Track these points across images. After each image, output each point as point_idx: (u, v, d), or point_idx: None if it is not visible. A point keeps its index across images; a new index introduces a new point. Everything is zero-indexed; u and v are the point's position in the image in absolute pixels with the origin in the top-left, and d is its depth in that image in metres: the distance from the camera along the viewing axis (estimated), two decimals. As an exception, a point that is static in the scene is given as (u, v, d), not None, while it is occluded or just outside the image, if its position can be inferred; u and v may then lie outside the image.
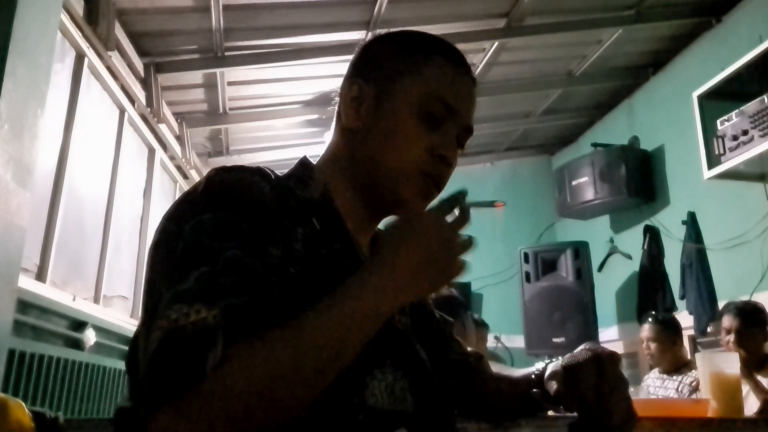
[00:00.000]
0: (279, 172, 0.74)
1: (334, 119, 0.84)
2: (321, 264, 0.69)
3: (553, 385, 0.75)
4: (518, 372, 0.90)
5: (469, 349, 0.99)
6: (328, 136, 0.87)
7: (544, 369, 0.79)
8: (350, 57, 0.85)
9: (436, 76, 0.77)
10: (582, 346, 0.76)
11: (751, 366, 2.47)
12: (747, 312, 2.62)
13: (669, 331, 3.05)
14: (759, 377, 2.44)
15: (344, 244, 0.74)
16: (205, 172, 0.67)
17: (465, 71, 0.81)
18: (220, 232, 0.61)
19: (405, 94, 0.76)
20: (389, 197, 0.77)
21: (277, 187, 0.68)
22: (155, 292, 0.60)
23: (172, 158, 4.05)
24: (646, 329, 3.09)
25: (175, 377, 0.54)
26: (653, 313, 3.31)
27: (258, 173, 0.68)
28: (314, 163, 0.81)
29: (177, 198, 0.68)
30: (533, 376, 0.82)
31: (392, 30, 0.85)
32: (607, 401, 0.69)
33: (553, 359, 0.80)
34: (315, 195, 0.75)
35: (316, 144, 4.53)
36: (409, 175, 0.75)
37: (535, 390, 0.80)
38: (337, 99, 0.85)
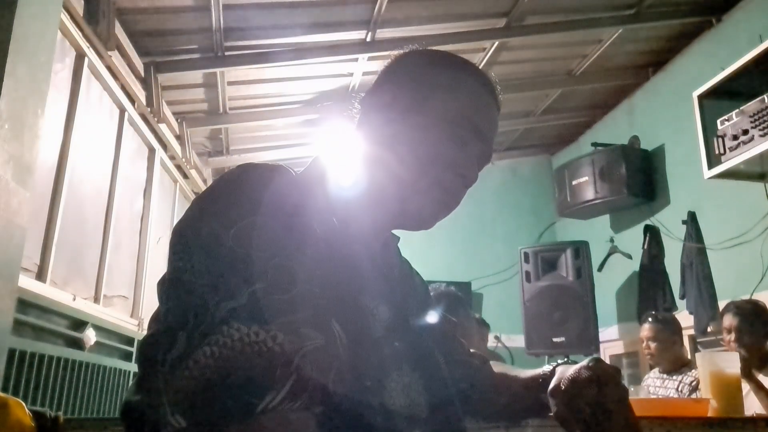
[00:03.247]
0: (295, 171, 0.73)
1: (356, 121, 0.84)
2: (342, 264, 0.69)
3: (554, 405, 0.76)
4: (525, 373, 0.90)
5: (472, 350, 0.99)
6: (331, 136, 0.87)
7: (552, 372, 0.80)
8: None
9: (470, 98, 0.79)
10: (584, 362, 0.76)
11: (752, 365, 2.47)
12: (747, 311, 2.62)
13: (669, 330, 3.05)
14: (760, 376, 2.44)
15: (361, 246, 0.74)
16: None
17: (495, 100, 0.83)
18: (263, 239, 0.60)
19: (438, 110, 0.78)
20: (402, 206, 0.77)
21: (299, 186, 0.68)
22: (194, 297, 0.59)
23: (172, 158, 4.05)
24: (646, 329, 3.09)
25: (243, 399, 0.54)
26: (653, 312, 3.31)
27: (281, 171, 0.68)
28: (328, 163, 0.81)
29: (204, 193, 0.66)
30: (541, 380, 0.82)
31: (429, 47, 0.87)
32: (607, 424, 0.70)
33: (559, 360, 0.80)
34: (331, 194, 0.75)
35: (316, 144, 4.53)
36: (427, 188, 0.76)
37: (543, 395, 0.81)
38: (358, 102, 0.85)
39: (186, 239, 0.63)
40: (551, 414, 0.79)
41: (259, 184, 0.64)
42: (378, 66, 0.88)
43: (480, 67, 0.85)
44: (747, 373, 2.36)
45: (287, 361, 0.54)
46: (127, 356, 2.99)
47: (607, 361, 0.83)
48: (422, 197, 0.77)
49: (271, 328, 0.55)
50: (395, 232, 0.87)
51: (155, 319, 0.65)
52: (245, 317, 0.56)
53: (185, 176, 4.36)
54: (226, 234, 0.60)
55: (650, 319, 3.11)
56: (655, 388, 3.01)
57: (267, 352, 0.54)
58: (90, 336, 2.55)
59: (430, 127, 0.77)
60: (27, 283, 2.10)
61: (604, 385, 0.72)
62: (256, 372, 0.54)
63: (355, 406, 0.62)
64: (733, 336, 2.60)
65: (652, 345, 3.04)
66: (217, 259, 0.59)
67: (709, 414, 1.51)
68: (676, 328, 3.08)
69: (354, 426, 0.62)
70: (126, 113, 3.17)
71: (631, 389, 2.82)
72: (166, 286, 0.63)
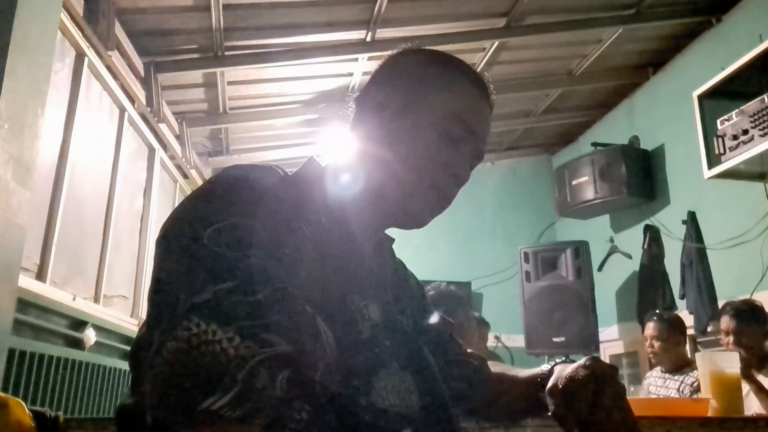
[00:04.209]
0: (288, 171, 0.74)
1: (350, 121, 0.84)
2: (330, 264, 0.69)
3: (552, 404, 0.76)
4: (524, 372, 0.91)
5: (469, 350, 0.99)
6: (331, 135, 0.87)
7: (551, 371, 0.80)
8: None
9: (462, 98, 0.80)
10: (581, 361, 0.76)
11: (752, 366, 2.47)
12: (743, 311, 2.62)
13: (673, 330, 3.04)
14: (760, 376, 2.44)
15: (351, 246, 0.74)
16: (205, 172, 0.67)
17: (487, 99, 0.83)
18: (239, 239, 0.60)
19: (431, 110, 0.78)
20: (396, 206, 0.78)
21: (288, 187, 0.68)
22: (168, 295, 0.59)
23: (172, 158, 4.05)
24: (651, 327, 3.08)
25: (188, 397, 0.54)
26: (658, 311, 3.31)
27: (270, 172, 0.68)
28: (322, 163, 0.81)
29: (190, 195, 0.67)
30: (539, 379, 0.83)
31: (423, 47, 0.87)
32: (605, 422, 0.70)
33: (557, 359, 0.80)
34: (323, 195, 0.75)
35: (315, 143, 4.53)
36: (422, 188, 0.77)
37: (541, 394, 0.81)
38: (352, 101, 0.85)
39: (167, 242, 0.63)
40: (549, 413, 0.80)
41: (244, 186, 0.65)
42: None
43: (478, 67, 0.85)
44: (747, 374, 2.36)
45: (237, 366, 0.54)
46: (127, 356, 2.99)
47: (607, 361, 0.84)
48: (417, 198, 0.77)
49: (230, 330, 0.55)
50: (390, 233, 0.87)
51: (143, 323, 0.66)
52: (206, 314, 0.55)
53: (185, 176, 4.36)
54: (203, 233, 0.60)
55: (655, 318, 3.11)
56: (656, 387, 3.01)
57: (220, 353, 0.54)
58: (90, 336, 2.55)
59: (423, 127, 0.78)
60: (27, 283, 2.10)
61: (601, 384, 0.72)
62: (204, 372, 0.54)
63: (343, 404, 0.62)
64: (731, 338, 2.59)
65: (656, 344, 3.03)
66: (192, 258, 0.60)
67: (709, 414, 1.51)
68: (680, 328, 3.07)
69: (342, 425, 0.62)
70: (126, 113, 3.17)
71: (631, 389, 2.82)
72: (150, 288, 0.63)
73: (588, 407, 0.71)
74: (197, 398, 0.53)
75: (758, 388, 2.37)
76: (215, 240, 0.60)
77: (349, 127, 0.84)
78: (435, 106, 0.78)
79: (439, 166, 0.77)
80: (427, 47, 0.87)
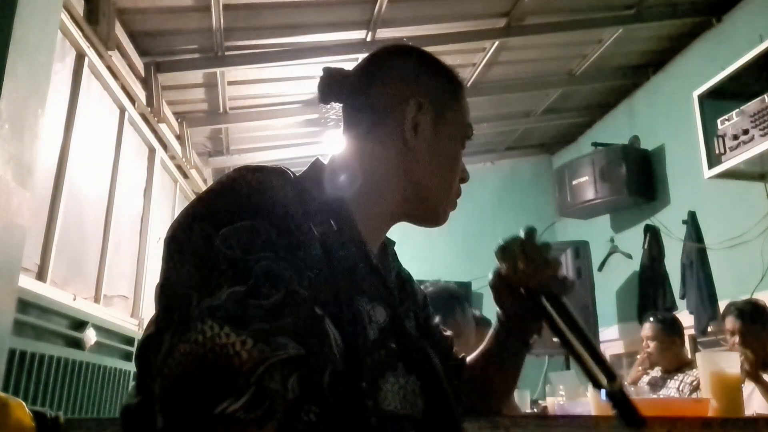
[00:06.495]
0: (295, 171, 0.74)
1: (353, 120, 0.84)
2: (338, 266, 0.69)
3: (495, 278, 0.88)
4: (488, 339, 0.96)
5: (455, 349, 1.00)
6: (334, 138, 0.89)
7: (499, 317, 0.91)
8: (350, 56, 0.88)
9: (465, 105, 0.86)
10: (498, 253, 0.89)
11: (758, 367, 2.46)
12: (748, 312, 2.62)
13: (669, 330, 3.05)
14: (766, 376, 2.44)
15: (358, 247, 0.75)
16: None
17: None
18: (250, 241, 0.60)
19: (455, 122, 0.83)
20: (425, 212, 0.83)
21: (297, 188, 0.68)
22: (179, 296, 0.59)
23: (172, 158, 4.05)
24: (647, 328, 3.10)
25: (203, 399, 0.54)
26: (655, 312, 3.31)
27: (279, 173, 0.68)
28: (326, 164, 0.81)
29: (200, 196, 0.67)
30: (498, 323, 0.92)
31: (426, 48, 0.89)
32: (539, 270, 0.87)
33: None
34: (330, 197, 0.75)
35: (316, 144, 4.53)
36: (451, 195, 0.84)
37: (509, 337, 0.91)
38: (354, 98, 0.85)
39: (178, 242, 0.63)
40: (527, 343, 0.92)
41: (254, 187, 0.65)
42: (378, 66, 0.88)
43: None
44: (755, 375, 2.35)
45: (251, 369, 0.54)
46: (127, 356, 2.99)
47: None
48: (447, 205, 0.83)
49: (243, 333, 0.55)
50: (390, 233, 0.87)
51: (151, 323, 0.66)
52: (220, 317, 0.56)
53: (185, 176, 4.36)
54: (215, 235, 0.60)
55: (651, 319, 3.12)
56: (656, 387, 3.01)
57: (233, 356, 0.54)
58: (90, 336, 2.55)
59: (453, 140, 0.83)
60: (27, 283, 2.10)
61: (526, 246, 0.87)
62: (218, 375, 0.54)
63: (350, 407, 0.62)
64: (737, 338, 2.59)
65: (651, 344, 3.05)
66: (204, 259, 0.60)
67: (709, 414, 1.51)
68: (676, 329, 3.08)
69: (349, 427, 0.62)
70: (126, 113, 3.17)
71: (632, 389, 2.82)
72: (158, 290, 0.63)
73: (522, 270, 0.85)
74: (212, 401, 0.53)
75: (766, 390, 2.37)
76: (227, 242, 0.60)
77: (351, 125, 0.84)
78: (457, 117, 0.84)
79: (459, 172, 0.84)
80: (433, 47, 0.89)
